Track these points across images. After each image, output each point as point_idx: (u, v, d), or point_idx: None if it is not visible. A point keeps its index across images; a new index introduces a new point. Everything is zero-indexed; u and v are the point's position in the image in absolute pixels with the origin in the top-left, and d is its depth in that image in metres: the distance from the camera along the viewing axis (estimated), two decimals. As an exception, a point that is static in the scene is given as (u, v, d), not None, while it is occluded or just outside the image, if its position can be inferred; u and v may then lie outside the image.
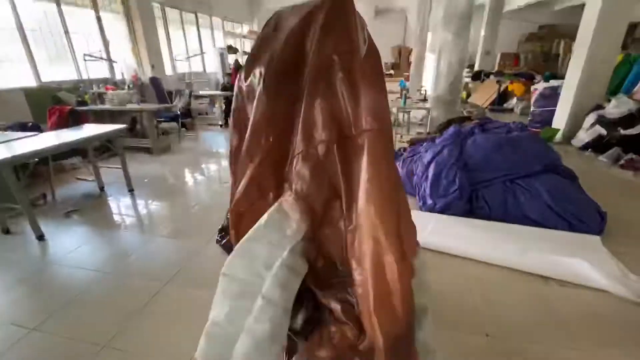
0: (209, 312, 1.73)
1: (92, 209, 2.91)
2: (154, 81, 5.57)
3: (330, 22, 0.72)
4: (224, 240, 2.44)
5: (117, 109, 4.21)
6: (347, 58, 0.70)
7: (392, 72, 14.42)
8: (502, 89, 7.62)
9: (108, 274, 1.99)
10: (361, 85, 0.70)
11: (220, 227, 2.54)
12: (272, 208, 0.76)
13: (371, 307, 0.66)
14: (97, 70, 5.15)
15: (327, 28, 0.71)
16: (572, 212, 2.26)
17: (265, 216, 0.75)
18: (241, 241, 0.74)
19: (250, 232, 0.75)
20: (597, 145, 4.06)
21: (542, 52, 11.86)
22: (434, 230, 2.26)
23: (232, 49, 8.28)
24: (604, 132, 4.05)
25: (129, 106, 4.27)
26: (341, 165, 0.71)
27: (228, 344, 0.67)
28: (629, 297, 1.64)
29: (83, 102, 4.28)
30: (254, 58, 0.84)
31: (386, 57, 15.72)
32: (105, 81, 5.03)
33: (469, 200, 2.51)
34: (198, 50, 7.51)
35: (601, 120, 4.12)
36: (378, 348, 0.66)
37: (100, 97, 4.55)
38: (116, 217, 2.81)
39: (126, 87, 4.84)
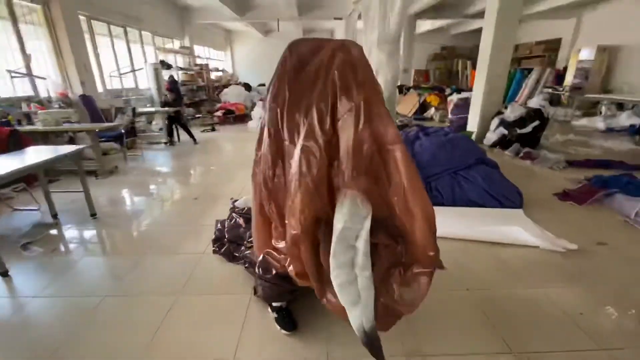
0: (232, 314, 1.85)
1: (52, 239, 2.64)
2: (86, 99, 5.12)
3: (346, 81, 1.20)
4: (222, 249, 2.53)
5: (56, 129, 3.78)
6: (370, 102, 1.20)
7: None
8: (422, 100, 8.84)
9: (109, 297, 1.90)
10: (385, 120, 1.20)
11: (213, 238, 2.62)
12: (347, 203, 1.14)
13: (426, 230, 1.15)
14: (16, 88, 4.52)
15: (355, 80, 1.20)
16: (501, 192, 2.92)
17: (345, 210, 1.13)
18: (337, 230, 1.12)
19: (340, 223, 1.13)
20: (502, 143, 5.10)
21: (446, 69, 14.02)
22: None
23: (165, 64, 7.95)
24: (505, 132, 5.12)
25: (68, 126, 3.88)
26: (383, 164, 1.20)
27: (353, 287, 1.13)
28: (551, 248, 2.26)
29: (7, 123, 3.76)
30: (279, 84, 1.29)
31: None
32: (27, 99, 4.44)
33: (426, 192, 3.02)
34: (129, 66, 7.04)
35: (502, 123, 5.21)
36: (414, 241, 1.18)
37: (28, 117, 4.03)
38: (86, 244, 2.61)
39: (57, 105, 4.36)
